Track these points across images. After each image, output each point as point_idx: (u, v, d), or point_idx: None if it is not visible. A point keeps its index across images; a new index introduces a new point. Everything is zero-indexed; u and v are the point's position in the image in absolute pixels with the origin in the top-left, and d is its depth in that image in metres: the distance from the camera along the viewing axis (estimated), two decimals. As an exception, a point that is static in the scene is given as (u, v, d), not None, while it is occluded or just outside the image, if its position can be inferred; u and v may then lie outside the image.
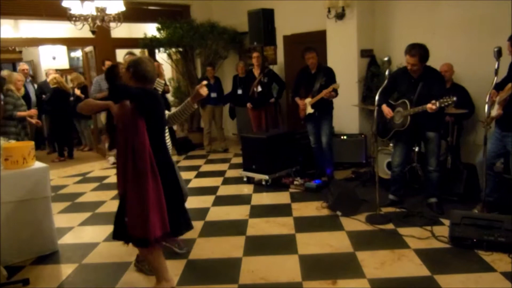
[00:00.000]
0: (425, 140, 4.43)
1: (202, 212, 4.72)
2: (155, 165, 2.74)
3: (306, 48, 5.43)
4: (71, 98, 8.14)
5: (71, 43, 9.30)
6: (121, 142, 2.77)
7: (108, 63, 7.27)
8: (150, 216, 2.67)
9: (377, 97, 4.28)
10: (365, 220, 4.27)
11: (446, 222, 3.95)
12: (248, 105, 7.14)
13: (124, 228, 2.81)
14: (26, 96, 7.11)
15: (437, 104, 3.90)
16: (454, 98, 3.86)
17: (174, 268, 3.47)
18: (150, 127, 2.76)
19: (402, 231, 3.96)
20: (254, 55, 7.00)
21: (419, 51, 4.13)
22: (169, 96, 8.64)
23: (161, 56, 8.38)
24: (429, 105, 3.95)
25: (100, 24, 5.86)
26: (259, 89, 6.77)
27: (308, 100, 5.50)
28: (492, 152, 4.01)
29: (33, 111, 6.07)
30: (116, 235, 2.95)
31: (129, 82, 2.87)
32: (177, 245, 3.77)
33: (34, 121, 6.01)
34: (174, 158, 7.17)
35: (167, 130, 3.43)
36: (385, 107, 4.41)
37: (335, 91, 5.26)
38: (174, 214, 2.84)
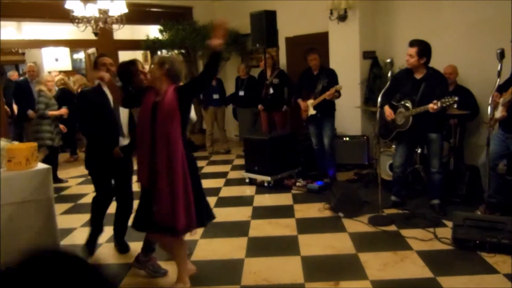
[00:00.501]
0: (427, 142, 4.42)
1: (204, 214, 4.72)
2: (186, 160, 2.81)
3: (308, 49, 5.44)
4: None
5: (74, 45, 9.34)
6: (148, 135, 2.79)
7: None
8: (178, 207, 2.74)
9: (379, 99, 4.28)
10: (367, 221, 4.26)
11: (449, 223, 3.94)
12: (260, 107, 7.09)
13: (149, 218, 2.85)
14: (29, 95, 7.09)
15: (439, 104, 3.90)
16: (456, 98, 3.86)
17: (176, 270, 3.47)
18: (182, 121, 2.84)
19: (405, 232, 3.96)
20: (266, 57, 6.94)
21: (418, 43, 4.16)
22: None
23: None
24: (430, 105, 3.95)
25: (102, 26, 5.88)
26: (271, 91, 6.73)
27: (310, 102, 5.50)
28: (495, 153, 4.00)
29: (64, 110, 6.29)
30: (140, 227, 3.01)
31: (160, 78, 2.88)
32: None
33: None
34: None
35: None
36: (387, 109, 4.40)
37: (338, 93, 5.26)
38: (198, 206, 2.91)
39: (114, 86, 3.19)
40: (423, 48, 4.14)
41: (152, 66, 2.90)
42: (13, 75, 8.82)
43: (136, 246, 3.64)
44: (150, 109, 2.82)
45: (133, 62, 3.40)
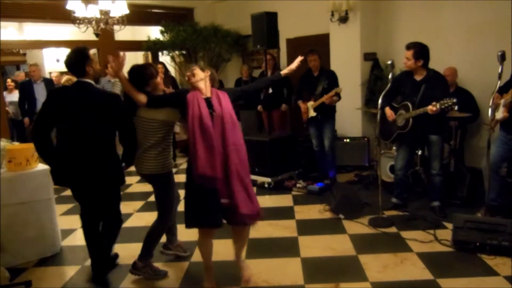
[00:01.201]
0: (428, 144, 4.42)
1: (204, 215, 4.72)
2: None
3: (308, 50, 5.44)
4: None
5: (75, 46, 9.32)
6: (212, 129, 2.88)
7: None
8: (249, 195, 2.96)
9: (380, 100, 4.28)
10: (367, 223, 4.26)
11: (449, 225, 3.94)
12: (259, 108, 7.09)
13: (217, 212, 2.93)
14: (31, 97, 7.09)
15: (438, 105, 3.90)
16: (454, 100, 3.86)
17: (176, 271, 3.48)
18: None
19: (405, 234, 3.96)
20: (268, 58, 6.94)
21: (414, 46, 4.17)
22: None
23: (165, 58, 8.40)
24: (429, 107, 3.96)
25: (104, 27, 5.89)
26: (270, 90, 6.74)
27: (310, 104, 5.50)
28: (498, 155, 4.00)
29: None
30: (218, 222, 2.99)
31: (205, 80, 3.05)
32: (180, 248, 3.77)
33: None
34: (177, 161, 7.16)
35: None
36: (388, 110, 4.41)
37: (338, 95, 5.26)
38: None
39: (129, 85, 3.12)
40: (419, 51, 4.15)
41: (195, 70, 3.05)
42: (19, 75, 8.85)
43: (134, 247, 3.63)
44: (206, 105, 2.95)
45: (151, 65, 3.35)
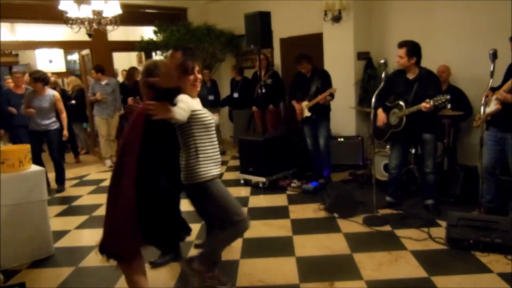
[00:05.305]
0: (421, 142, 4.43)
1: (199, 215, 4.72)
2: None
3: (297, 58, 5.42)
4: (73, 102, 8.20)
5: (68, 46, 9.29)
6: None
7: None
8: None
9: (373, 100, 4.28)
10: (362, 222, 4.27)
11: (443, 223, 3.96)
12: (254, 108, 7.14)
13: None
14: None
15: (431, 102, 3.92)
16: (448, 96, 3.87)
17: (171, 271, 3.47)
18: None
19: (399, 232, 3.97)
20: (261, 58, 6.93)
21: (406, 44, 4.20)
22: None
23: (158, 59, 8.37)
24: (423, 104, 3.97)
25: (96, 27, 5.86)
26: (263, 90, 6.75)
27: (305, 104, 5.51)
28: (492, 158, 3.99)
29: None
30: None
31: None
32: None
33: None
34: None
35: None
36: (380, 112, 4.42)
37: (331, 95, 5.27)
38: None
39: None
40: (411, 48, 4.17)
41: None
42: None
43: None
44: None
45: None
